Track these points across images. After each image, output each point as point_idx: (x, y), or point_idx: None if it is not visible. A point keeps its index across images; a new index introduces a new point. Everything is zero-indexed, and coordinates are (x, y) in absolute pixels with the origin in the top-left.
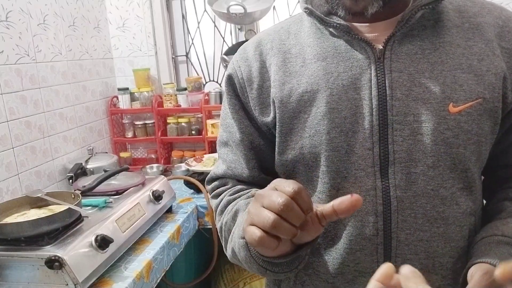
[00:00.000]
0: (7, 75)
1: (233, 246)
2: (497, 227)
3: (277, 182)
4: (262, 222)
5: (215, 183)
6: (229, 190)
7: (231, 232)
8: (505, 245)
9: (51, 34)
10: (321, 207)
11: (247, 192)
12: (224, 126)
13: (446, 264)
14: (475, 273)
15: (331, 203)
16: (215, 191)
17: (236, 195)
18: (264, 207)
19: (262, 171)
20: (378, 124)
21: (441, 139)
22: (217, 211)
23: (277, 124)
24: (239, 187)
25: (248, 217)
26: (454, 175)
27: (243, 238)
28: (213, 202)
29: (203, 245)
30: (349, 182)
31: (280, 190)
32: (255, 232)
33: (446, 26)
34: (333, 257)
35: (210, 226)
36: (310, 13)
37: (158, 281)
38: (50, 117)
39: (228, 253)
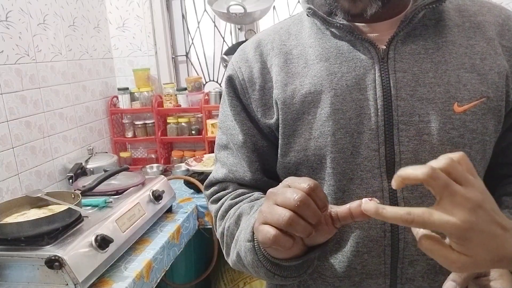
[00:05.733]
0: (7, 75)
1: (238, 250)
2: None
3: (290, 180)
4: (276, 220)
5: (214, 188)
6: (230, 194)
7: (235, 237)
8: None
9: (51, 34)
10: (335, 208)
11: (250, 196)
12: (224, 128)
13: None
14: None
15: (348, 205)
16: (214, 196)
17: (238, 198)
18: (277, 204)
19: (265, 174)
20: (383, 125)
21: (447, 139)
22: (218, 216)
23: (280, 125)
24: (240, 190)
25: (260, 216)
26: None
27: (250, 241)
28: (213, 207)
29: (203, 245)
30: (355, 184)
31: (294, 186)
32: (269, 231)
33: (447, 26)
34: (339, 260)
35: (210, 226)
36: (313, 13)
37: (158, 281)
38: (50, 117)
39: (232, 258)
